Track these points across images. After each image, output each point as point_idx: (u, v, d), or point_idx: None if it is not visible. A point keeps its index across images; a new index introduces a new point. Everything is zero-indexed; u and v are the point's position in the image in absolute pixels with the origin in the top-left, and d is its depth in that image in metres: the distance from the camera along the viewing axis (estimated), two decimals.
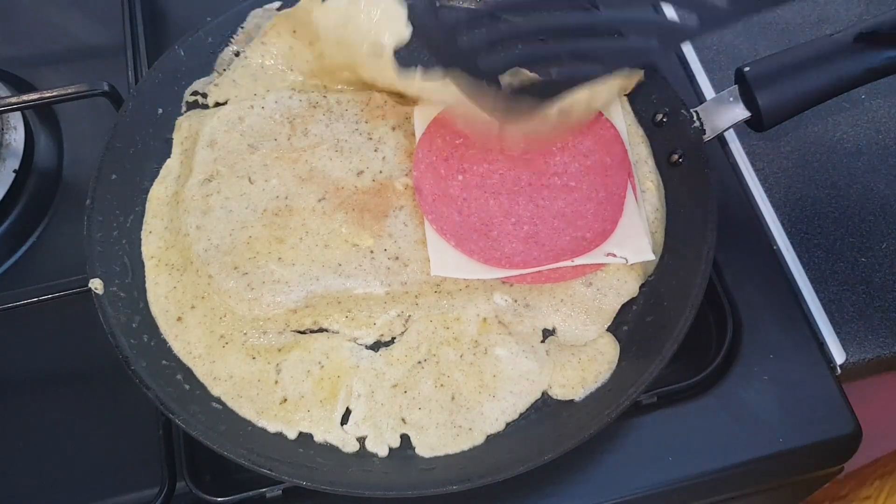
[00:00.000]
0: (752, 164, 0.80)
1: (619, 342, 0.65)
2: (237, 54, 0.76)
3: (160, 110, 0.74)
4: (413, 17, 0.63)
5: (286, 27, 0.73)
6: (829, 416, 0.66)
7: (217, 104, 0.74)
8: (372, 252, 0.65)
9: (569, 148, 0.69)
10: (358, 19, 0.67)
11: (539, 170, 0.68)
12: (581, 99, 0.68)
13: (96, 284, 0.64)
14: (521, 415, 0.63)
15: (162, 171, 0.71)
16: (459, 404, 0.62)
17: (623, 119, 0.71)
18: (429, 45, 0.60)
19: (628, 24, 0.58)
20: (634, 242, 0.66)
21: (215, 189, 0.68)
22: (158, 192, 0.69)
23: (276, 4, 0.76)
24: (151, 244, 0.67)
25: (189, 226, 0.66)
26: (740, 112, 0.67)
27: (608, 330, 0.66)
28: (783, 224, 0.76)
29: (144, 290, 0.66)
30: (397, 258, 0.66)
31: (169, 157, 0.72)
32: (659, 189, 0.69)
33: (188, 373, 0.64)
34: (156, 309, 0.65)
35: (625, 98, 0.72)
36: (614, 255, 0.65)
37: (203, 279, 0.65)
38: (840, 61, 0.64)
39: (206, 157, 0.69)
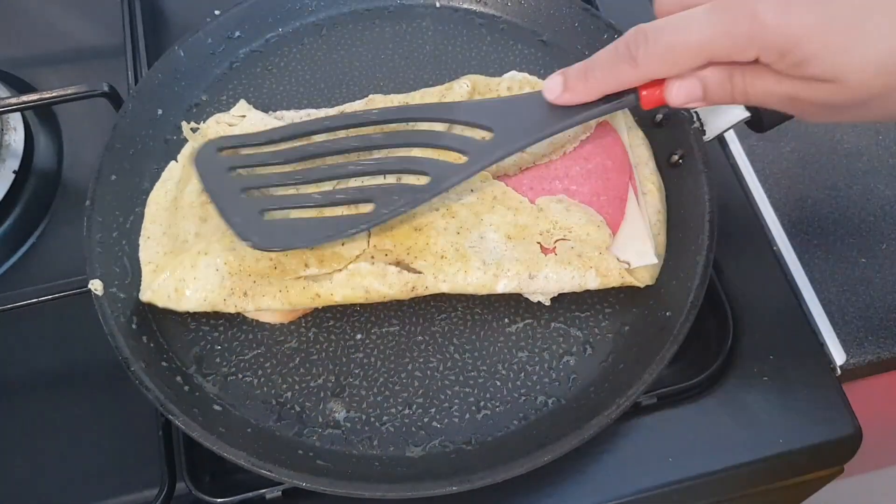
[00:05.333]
0: (752, 164, 0.80)
1: (619, 342, 0.65)
2: None
3: (160, 111, 0.74)
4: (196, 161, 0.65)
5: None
6: (830, 416, 0.66)
7: None
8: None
9: (569, 151, 0.69)
10: None
11: (540, 174, 0.68)
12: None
13: (96, 285, 0.64)
14: (521, 415, 0.63)
15: (164, 175, 0.70)
16: None
17: (623, 121, 0.71)
18: (204, 184, 0.64)
19: (403, 164, 0.62)
20: (637, 246, 0.65)
21: None
22: (158, 197, 0.69)
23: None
24: (150, 249, 0.67)
25: (187, 233, 0.66)
26: (740, 112, 0.67)
27: (610, 330, 0.66)
28: (783, 224, 0.76)
29: None
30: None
31: (171, 159, 0.71)
32: (661, 191, 0.69)
33: (187, 375, 0.64)
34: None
35: None
36: (617, 260, 0.65)
37: None
38: None
39: None
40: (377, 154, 0.65)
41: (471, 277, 0.63)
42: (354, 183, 0.64)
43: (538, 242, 0.64)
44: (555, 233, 0.65)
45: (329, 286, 0.63)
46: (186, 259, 0.63)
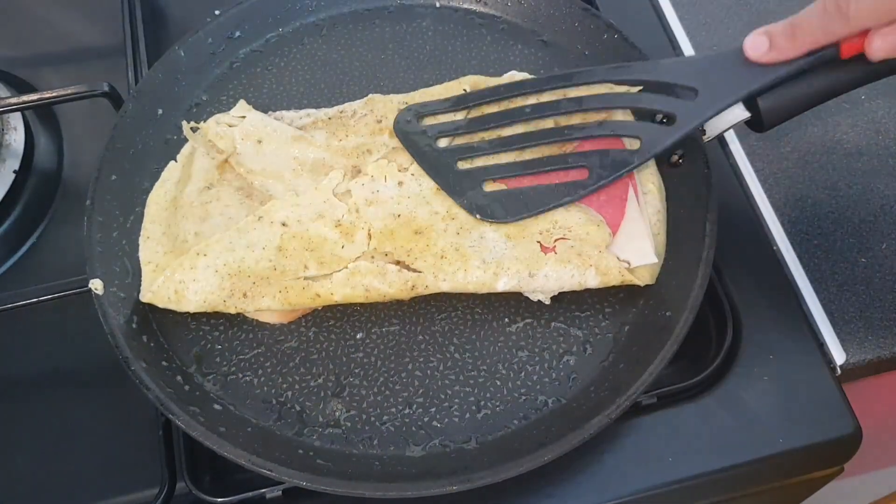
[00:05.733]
0: (752, 164, 0.80)
1: (619, 342, 0.65)
2: None
3: (160, 111, 0.74)
4: (397, 130, 0.68)
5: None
6: (829, 416, 0.66)
7: None
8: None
9: (569, 152, 0.69)
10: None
11: None
12: (576, 116, 0.68)
13: (96, 285, 0.64)
14: (521, 414, 0.63)
15: (163, 175, 0.70)
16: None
17: (623, 119, 0.71)
18: (412, 153, 0.67)
19: (614, 130, 0.64)
20: (637, 245, 0.65)
21: (215, 196, 0.68)
22: (158, 197, 0.69)
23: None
24: (149, 249, 0.66)
25: (187, 232, 0.66)
26: (740, 113, 0.67)
27: (610, 330, 0.66)
28: (783, 224, 0.76)
29: None
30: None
31: (172, 158, 0.71)
32: (661, 191, 0.69)
33: (187, 374, 0.64)
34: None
35: None
36: (617, 259, 0.65)
37: None
38: (840, 62, 0.63)
39: (207, 165, 0.69)
40: (578, 117, 0.66)
41: (471, 276, 0.63)
42: (562, 147, 0.65)
43: (538, 241, 0.64)
44: (554, 232, 0.65)
45: (329, 286, 0.63)
46: (186, 261, 0.63)
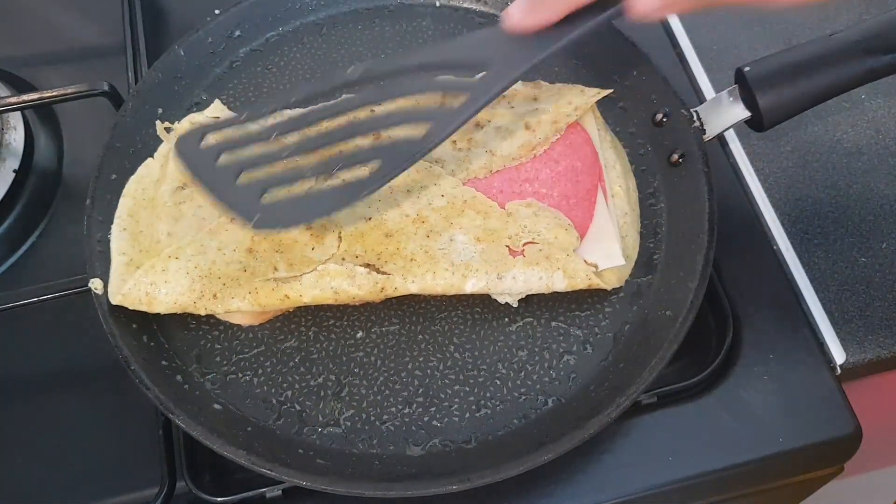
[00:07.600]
0: (752, 164, 0.80)
1: (620, 341, 0.65)
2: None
3: (160, 110, 0.74)
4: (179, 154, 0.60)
5: None
6: (829, 416, 0.66)
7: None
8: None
9: (539, 153, 0.69)
10: None
11: (510, 177, 0.68)
12: (546, 118, 0.68)
13: (96, 284, 0.64)
14: (521, 414, 0.63)
15: (140, 170, 0.69)
16: None
17: (594, 122, 0.71)
18: (193, 176, 0.59)
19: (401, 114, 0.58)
20: (605, 247, 0.66)
21: (188, 196, 0.67)
22: (132, 191, 0.68)
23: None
24: (123, 241, 0.66)
25: (161, 232, 0.66)
26: (740, 112, 0.67)
27: (610, 330, 0.66)
28: (783, 224, 0.76)
29: None
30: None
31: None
32: (628, 193, 0.69)
33: (187, 374, 0.64)
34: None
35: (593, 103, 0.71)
36: (585, 262, 0.65)
37: None
38: (840, 61, 0.64)
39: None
40: (370, 111, 0.60)
41: (439, 278, 0.63)
42: (353, 145, 0.59)
43: (507, 245, 0.64)
44: (523, 236, 0.65)
45: (298, 287, 0.62)
46: (157, 263, 0.63)
